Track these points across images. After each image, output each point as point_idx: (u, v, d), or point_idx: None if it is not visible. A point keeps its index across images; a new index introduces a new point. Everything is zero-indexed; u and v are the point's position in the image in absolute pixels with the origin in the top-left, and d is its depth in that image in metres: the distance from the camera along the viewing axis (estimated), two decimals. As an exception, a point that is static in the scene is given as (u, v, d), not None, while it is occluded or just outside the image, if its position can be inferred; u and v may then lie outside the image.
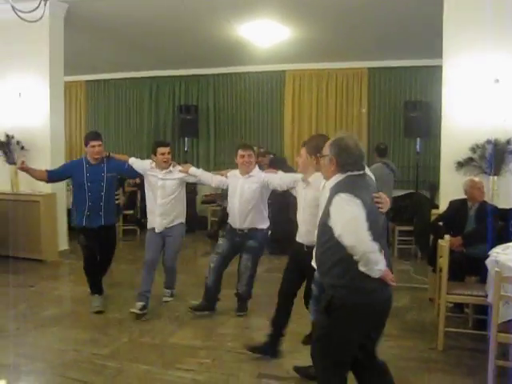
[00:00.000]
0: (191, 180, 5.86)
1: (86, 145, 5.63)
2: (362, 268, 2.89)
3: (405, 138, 10.39)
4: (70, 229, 8.44)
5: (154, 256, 5.73)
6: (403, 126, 10.09)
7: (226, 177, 5.71)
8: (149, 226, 5.81)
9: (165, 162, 5.62)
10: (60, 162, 7.65)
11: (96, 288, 5.78)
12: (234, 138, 11.28)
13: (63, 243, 8.37)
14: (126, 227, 10.11)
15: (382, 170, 8.19)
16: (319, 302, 3.38)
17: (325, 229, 3.02)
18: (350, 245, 2.86)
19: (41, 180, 5.98)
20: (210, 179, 5.83)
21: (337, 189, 2.99)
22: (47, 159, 7.62)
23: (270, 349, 4.49)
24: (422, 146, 10.18)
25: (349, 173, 3.07)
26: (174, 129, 11.80)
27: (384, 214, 3.15)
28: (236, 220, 5.52)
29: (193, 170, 5.78)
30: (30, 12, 4.99)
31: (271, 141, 11.26)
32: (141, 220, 10.19)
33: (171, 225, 5.75)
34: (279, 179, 5.16)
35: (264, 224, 5.58)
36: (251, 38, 9.11)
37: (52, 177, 5.81)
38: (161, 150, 5.61)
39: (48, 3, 6.21)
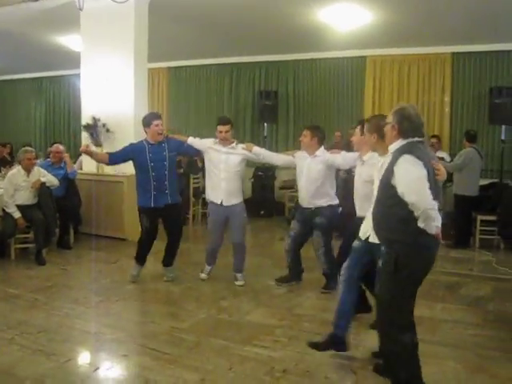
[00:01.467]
0: (254, 158, 6.07)
1: (149, 125, 5.77)
2: (420, 224, 3.19)
3: (489, 126, 10.00)
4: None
5: (220, 241, 6.12)
6: (488, 112, 9.69)
7: (294, 157, 5.91)
8: (213, 200, 5.96)
9: (224, 139, 5.83)
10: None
11: (142, 259, 6.12)
12: (313, 123, 11.22)
13: (145, 223, 8.65)
14: (204, 210, 10.27)
15: (474, 154, 8.20)
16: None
17: (387, 188, 3.31)
18: (413, 201, 3.16)
19: (102, 163, 6.33)
20: (274, 158, 6.11)
21: (401, 151, 3.29)
22: (130, 140, 7.77)
23: None
24: (508, 134, 9.78)
25: (410, 139, 3.35)
26: (253, 114, 11.87)
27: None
28: (304, 198, 5.76)
29: (256, 149, 5.95)
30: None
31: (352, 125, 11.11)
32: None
33: (235, 201, 5.94)
34: (342, 159, 5.51)
35: (331, 201, 5.74)
36: (331, 23, 9.03)
37: (113, 159, 5.97)
38: (219, 127, 5.83)
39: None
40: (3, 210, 6.90)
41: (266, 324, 4.86)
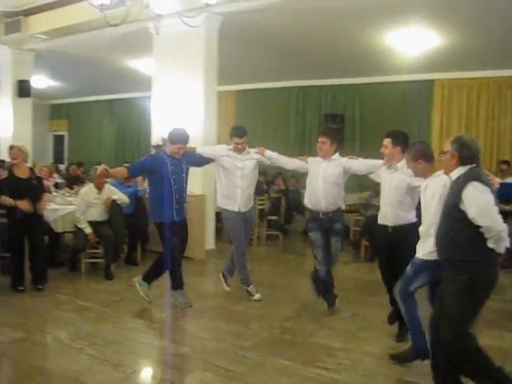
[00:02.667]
0: (266, 162, 6.17)
1: (173, 143, 5.68)
2: (490, 245, 3.40)
3: None
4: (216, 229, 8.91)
5: (246, 244, 6.24)
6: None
7: (306, 162, 5.94)
8: (229, 208, 6.01)
9: (239, 150, 5.96)
10: (210, 166, 8.06)
11: (180, 282, 5.93)
12: (379, 148, 11.13)
13: (210, 243, 8.79)
14: (269, 232, 10.33)
15: None
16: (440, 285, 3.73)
17: (454, 212, 3.46)
18: (486, 225, 3.36)
19: (122, 177, 6.38)
20: (285, 162, 6.18)
21: (467, 178, 3.45)
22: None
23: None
24: None
25: (469, 165, 3.52)
26: (319, 137, 11.86)
27: None
28: (321, 203, 5.70)
29: (268, 152, 6.08)
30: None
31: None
32: (284, 226, 10.39)
33: (250, 206, 6.08)
34: (360, 164, 5.62)
35: (343, 206, 5.86)
36: (399, 46, 9.02)
37: (133, 172, 5.87)
38: (235, 140, 5.94)
39: (205, 15, 6.62)
40: (75, 226, 7.16)
41: (330, 346, 4.82)
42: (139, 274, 6.19)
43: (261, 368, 4.32)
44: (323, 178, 5.67)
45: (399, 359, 4.43)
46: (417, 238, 4.32)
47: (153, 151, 8.55)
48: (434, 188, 4.15)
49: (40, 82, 13.74)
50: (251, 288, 6.18)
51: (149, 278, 5.90)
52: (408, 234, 4.67)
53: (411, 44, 8.92)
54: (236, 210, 5.98)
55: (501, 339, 5.05)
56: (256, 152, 6.06)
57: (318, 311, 5.79)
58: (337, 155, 5.76)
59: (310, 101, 12.20)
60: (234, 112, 13.26)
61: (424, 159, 4.24)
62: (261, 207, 9.98)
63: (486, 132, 10.49)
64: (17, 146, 6.55)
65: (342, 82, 11.73)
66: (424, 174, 4.30)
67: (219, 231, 9.29)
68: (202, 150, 6.16)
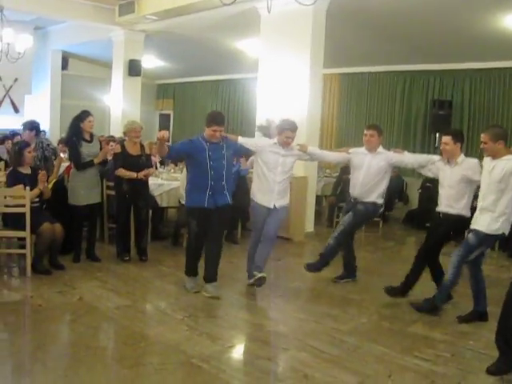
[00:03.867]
0: (307, 158, 6.19)
1: (209, 126, 5.42)
2: None
3: None
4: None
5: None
6: None
7: (348, 153, 6.07)
8: (263, 204, 5.72)
9: (286, 143, 5.72)
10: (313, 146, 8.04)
11: (194, 270, 5.71)
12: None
13: (310, 225, 8.79)
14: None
15: None
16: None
17: None
18: None
19: (162, 156, 6.22)
20: (328, 157, 6.40)
21: None
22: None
23: None
24: None
25: None
26: (425, 123, 11.50)
27: None
28: (357, 190, 5.91)
29: (310, 148, 6.04)
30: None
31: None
32: (384, 212, 10.18)
33: (283, 203, 5.81)
34: (410, 158, 5.87)
35: (378, 199, 5.93)
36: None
37: (171, 153, 5.69)
38: (287, 133, 5.68)
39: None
40: (179, 202, 7.35)
41: (429, 337, 4.70)
42: (239, 251, 6.32)
43: (357, 353, 4.28)
44: (366, 169, 5.85)
45: (468, 319, 5.05)
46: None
47: (257, 132, 8.65)
48: (503, 169, 4.61)
49: (149, 61, 14.18)
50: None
51: (187, 271, 5.75)
52: (457, 224, 5.30)
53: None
54: (271, 206, 5.71)
55: None
56: (298, 149, 5.91)
57: (417, 301, 5.64)
58: (381, 148, 5.92)
59: (417, 86, 11.78)
60: (338, 95, 13.06)
61: (504, 141, 4.69)
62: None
63: None
64: (139, 124, 6.77)
65: (451, 67, 11.22)
66: (496, 155, 4.68)
67: (319, 214, 9.26)
68: (243, 140, 5.88)
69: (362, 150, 5.98)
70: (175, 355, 4.03)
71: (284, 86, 8.65)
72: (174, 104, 17.34)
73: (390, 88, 12.18)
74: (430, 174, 5.66)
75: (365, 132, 5.95)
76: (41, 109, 14.90)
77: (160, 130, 5.60)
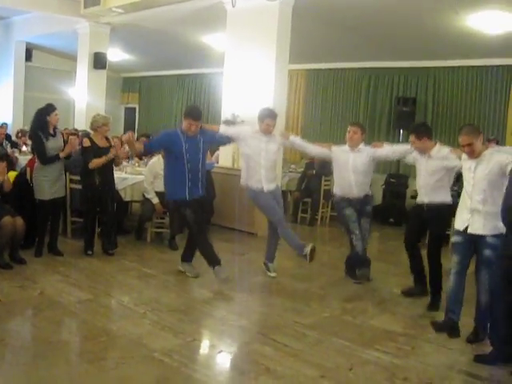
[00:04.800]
0: (288, 145, 6.42)
1: (185, 118, 5.59)
2: None
3: None
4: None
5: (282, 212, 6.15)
6: None
7: (330, 149, 6.13)
8: (254, 187, 5.94)
9: (267, 130, 5.90)
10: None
11: (216, 259, 5.74)
12: (450, 133, 10.86)
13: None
14: (333, 213, 10.19)
15: None
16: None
17: None
18: None
19: (138, 153, 6.33)
20: (308, 148, 6.35)
21: None
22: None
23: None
24: None
25: None
26: (389, 120, 11.63)
27: None
28: (353, 190, 5.97)
29: (292, 137, 6.20)
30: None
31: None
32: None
33: (273, 186, 6.04)
34: (389, 151, 6.02)
35: (370, 191, 6.15)
36: (477, 28, 8.67)
37: (149, 148, 5.92)
38: (267, 121, 5.88)
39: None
40: (143, 196, 7.32)
41: (390, 330, 4.76)
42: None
43: (320, 346, 4.32)
44: (353, 169, 5.91)
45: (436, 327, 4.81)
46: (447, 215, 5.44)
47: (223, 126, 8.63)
48: (488, 167, 4.38)
49: (114, 55, 14.01)
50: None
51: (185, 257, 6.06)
52: (440, 212, 5.38)
53: (491, 27, 8.56)
54: (260, 187, 5.92)
55: None
56: (280, 136, 6.11)
57: (380, 295, 5.73)
58: (362, 145, 6.01)
59: (382, 83, 11.89)
60: (304, 91, 13.13)
61: (481, 139, 4.52)
62: (326, 187, 9.89)
63: None
64: (108, 116, 6.73)
65: (416, 65, 11.36)
66: (475, 154, 4.44)
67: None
68: (225, 129, 6.09)
69: (345, 147, 6.05)
70: (137, 349, 4.02)
71: (250, 81, 8.63)
72: (139, 98, 17.18)
73: (355, 84, 12.27)
74: (411, 162, 5.75)
75: (348, 129, 6.03)
76: (3, 100, 14.61)
77: (125, 131, 5.68)
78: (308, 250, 5.78)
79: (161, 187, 7.10)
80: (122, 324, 4.56)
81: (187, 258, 6.03)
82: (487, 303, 4.41)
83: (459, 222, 4.61)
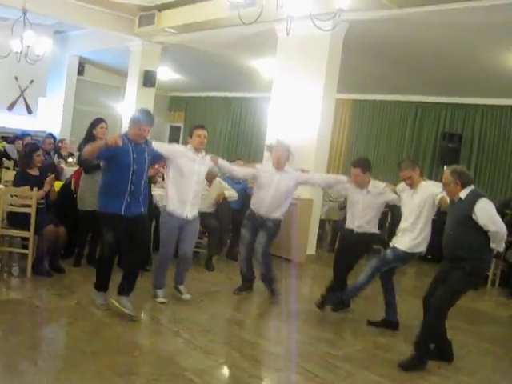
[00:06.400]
0: (216, 170, 6.15)
1: (136, 125, 4.94)
2: (493, 245, 4.50)
3: None
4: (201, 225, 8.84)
5: (173, 252, 5.70)
6: None
7: (255, 168, 6.17)
8: (172, 212, 5.47)
9: (201, 143, 5.55)
10: (320, 171, 8.07)
11: (106, 284, 5.18)
12: (495, 172, 10.71)
13: (311, 248, 8.79)
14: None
15: None
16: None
17: (466, 221, 4.47)
18: (495, 230, 4.42)
19: (89, 157, 5.11)
20: (236, 171, 6.25)
21: (475, 196, 4.50)
22: (308, 167, 7.31)
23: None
24: None
25: (469, 187, 4.56)
26: (434, 155, 11.54)
27: None
28: (263, 209, 5.97)
29: (220, 161, 5.94)
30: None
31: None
32: (387, 241, 10.14)
33: (196, 213, 5.63)
34: (319, 178, 6.38)
35: (282, 216, 6.09)
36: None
37: (101, 154, 4.85)
38: (197, 131, 5.56)
39: (331, 22, 6.58)
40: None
41: (423, 369, 4.65)
42: (239, 268, 6.32)
43: (350, 379, 4.28)
44: (275, 189, 5.94)
45: (377, 325, 5.58)
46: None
47: (266, 151, 8.66)
48: (423, 196, 5.22)
49: (163, 73, 14.29)
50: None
51: (98, 284, 5.23)
52: (368, 241, 5.91)
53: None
54: (184, 216, 5.49)
55: None
56: (210, 159, 5.77)
57: (412, 332, 5.61)
58: (289, 168, 6.07)
59: (428, 118, 11.84)
60: (350, 121, 13.15)
61: (417, 173, 5.30)
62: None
63: None
64: None
65: (463, 101, 11.29)
66: (416, 183, 5.29)
67: (320, 238, 9.26)
68: (157, 145, 5.42)
69: (270, 168, 6.07)
70: (168, 367, 4.03)
71: (296, 107, 8.70)
72: (185, 117, 17.45)
73: (400, 117, 12.26)
74: (336, 194, 6.31)
75: (275, 149, 6.10)
76: (54, 112, 15.01)
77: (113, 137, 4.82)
78: (160, 298, 5.57)
79: (201, 207, 7.14)
80: (155, 340, 4.59)
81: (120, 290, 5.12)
82: (362, 284, 5.55)
83: (394, 240, 5.47)
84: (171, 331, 4.81)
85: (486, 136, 11.14)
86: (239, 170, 6.34)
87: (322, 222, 10.22)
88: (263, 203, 5.98)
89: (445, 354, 4.88)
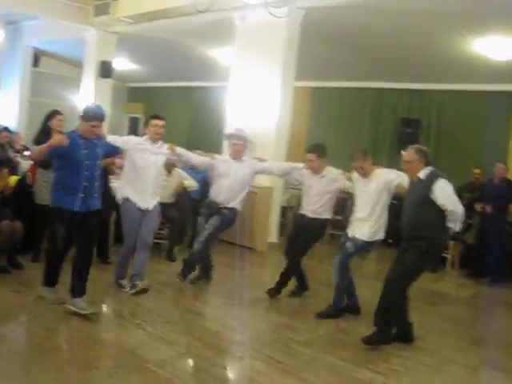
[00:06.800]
0: (174, 159, 6.09)
1: (87, 120, 4.83)
2: (450, 224, 4.64)
3: None
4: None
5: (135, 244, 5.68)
6: None
7: (212, 158, 6.20)
8: (131, 203, 5.52)
9: (157, 134, 5.59)
10: (280, 159, 8.06)
11: (55, 279, 5.12)
12: (453, 157, 10.88)
13: (273, 236, 8.81)
14: (333, 232, 10.18)
15: None
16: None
17: (425, 200, 4.59)
18: (452, 209, 4.57)
19: (37, 157, 5.14)
20: (193, 159, 6.22)
21: (434, 176, 4.63)
22: (267, 155, 7.61)
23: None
24: None
25: (429, 167, 4.70)
26: (392, 141, 11.68)
27: None
28: (222, 197, 6.01)
29: (177, 149, 5.95)
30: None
31: (493, 163, 10.51)
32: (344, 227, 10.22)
33: (156, 203, 5.69)
34: (276, 166, 6.47)
35: (240, 205, 6.11)
36: (483, 54, 8.74)
37: (52, 151, 4.75)
38: (154, 122, 5.58)
39: (288, 8, 6.62)
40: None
41: (384, 351, 4.72)
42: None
43: (313, 364, 4.31)
44: (233, 178, 6.01)
45: (322, 315, 5.46)
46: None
47: (225, 140, 8.64)
48: (378, 184, 5.28)
49: (120, 64, 14.08)
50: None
51: (47, 280, 5.16)
52: (320, 226, 5.95)
53: (496, 52, 8.64)
54: (144, 207, 5.55)
55: None
56: (167, 148, 5.77)
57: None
58: (246, 156, 6.15)
59: (386, 104, 11.97)
60: (309, 109, 13.20)
61: (370, 160, 5.40)
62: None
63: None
64: None
65: (421, 87, 11.45)
66: (370, 172, 5.34)
67: (282, 226, 9.30)
68: (111, 138, 5.45)
69: (227, 157, 6.21)
70: (130, 360, 4.01)
71: (254, 96, 8.70)
72: (144, 108, 17.26)
73: (359, 104, 12.36)
74: (294, 181, 6.28)
75: (234, 142, 6.16)
76: (9, 105, 14.67)
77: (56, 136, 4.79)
78: (138, 288, 5.52)
79: (161, 198, 7.05)
80: (117, 333, 4.56)
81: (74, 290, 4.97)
82: (338, 284, 5.48)
83: (349, 229, 5.50)
84: (133, 324, 4.78)
85: (442, 121, 11.33)
86: (197, 158, 6.31)
87: (284, 210, 10.27)
88: (221, 191, 6.01)
89: (405, 335, 4.97)
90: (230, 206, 6.01)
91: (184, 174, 7.52)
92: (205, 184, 7.82)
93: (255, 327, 5.08)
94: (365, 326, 5.28)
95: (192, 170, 7.66)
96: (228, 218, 6.06)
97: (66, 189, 4.82)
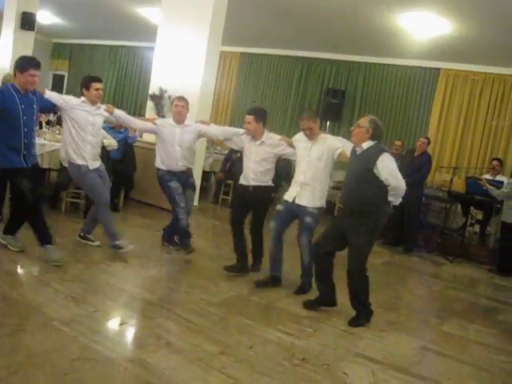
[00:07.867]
0: (112, 119, 6.13)
1: (23, 71, 4.72)
2: (391, 198, 4.64)
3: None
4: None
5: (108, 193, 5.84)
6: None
7: (155, 124, 6.12)
8: (80, 164, 5.55)
9: (98, 97, 5.58)
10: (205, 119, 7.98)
11: (49, 236, 5.25)
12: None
13: (195, 200, 8.76)
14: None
15: None
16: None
17: (367, 174, 4.56)
18: (395, 185, 4.57)
19: None
20: (133, 123, 6.32)
21: (378, 150, 4.61)
22: (192, 116, 7.32)
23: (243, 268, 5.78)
24: None
25: (376, 141, 4.65)
26: (318, 110, 11.81)
27: None
28: (178, 164, 6.05)
29: (117, 111, 5.98)
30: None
31: (414, 137, 10.85)
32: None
33: (97, 165, 5.70)
34: (217, 130, 6.27)
35: (192, 163, 6.28)
36: (410, 29, 8.92)
37: None
38: (96, 85, 5.53)
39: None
40: (61, 164, 7.10)
41: (295, 313, 4.86)
42: (119, 219, 6.21)
43: (223, 324, 4.36)
44: (180, 143, 6.00)
45: (260, 285, 5.44)
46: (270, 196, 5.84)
47: (149, 101, 8.51)
48: (322, 149, 5.22)
49: (45, 17, 13.53)
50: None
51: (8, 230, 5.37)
52: (265, 193, 5.73)
53: (422, 29, 8.84)
54: (86, 164, 5.56)
55: (465, 329, 5.15)
56: (105, 109, 5.78)
57: (289, 279, 5.80)
58: (188, 120, 6.12)
59: (314, 73, 12.10)
60: (237, 74, 13.16)
61: (318, 123, 5.34)
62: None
63: (483, 128, 10.45)
64: None
65: (347, 58, 11.64)
66: (315, 135, 5.24)
67: (205, 190, 9.28)
68: (50, 95, 5.36)
69: (170, 121, 6.12)
70: (36, 317, 3.93)
71: (181, 57, 8.56)
72: (69, 65, 16.71)
73: (287, 72, 12.45)
74: (234, 146, 6.18)
75: (175, 103, 6.07)
76: None
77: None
78: (128, 246, 5.76)
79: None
80: (24, 291, 4.45)
81: (11, 230, 5.35)
82: (310, 262, 5.29)
83: (289, 194, 5.40)
84: (42, 282, 4.69)
85: (368, 93, 11.57)
86: (138, 121, 6.29)
87: (207, 174, 10.25)
88: (176, 158, 6.01)
89: (330, 299, 5.06)
90: (187, 168, 6.14)
91: (104, 132, 7.34)
92: (125, 144, 7.70)
93: (167, 287, 5.10)
94: (279, 290, 5.41)
95: (112, 129, 7.51)
96: (195, 184, 6.38)
97: (8, 147, 4.81)
